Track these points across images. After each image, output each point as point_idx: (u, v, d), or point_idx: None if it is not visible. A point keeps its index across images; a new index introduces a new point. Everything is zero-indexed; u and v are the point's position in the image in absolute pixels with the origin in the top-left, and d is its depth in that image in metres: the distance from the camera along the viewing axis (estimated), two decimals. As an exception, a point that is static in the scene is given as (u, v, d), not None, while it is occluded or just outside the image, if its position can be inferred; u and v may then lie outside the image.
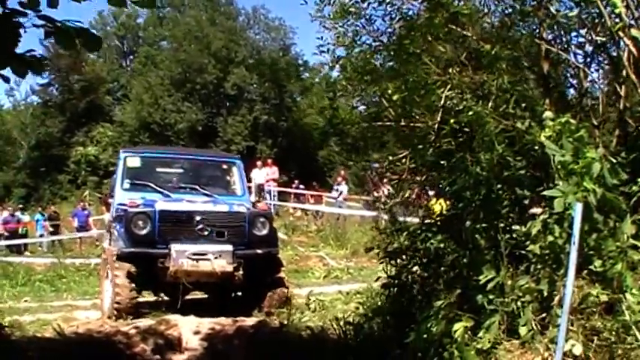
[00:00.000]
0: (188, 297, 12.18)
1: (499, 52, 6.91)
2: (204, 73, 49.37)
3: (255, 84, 50.72)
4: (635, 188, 5.96)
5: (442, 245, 7.14)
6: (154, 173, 13.29)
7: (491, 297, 6.06)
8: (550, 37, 7.54)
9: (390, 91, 7.52)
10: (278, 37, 53.79)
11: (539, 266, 5.87)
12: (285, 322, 10.19)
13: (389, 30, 8.07)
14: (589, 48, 7.44)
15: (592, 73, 7.55)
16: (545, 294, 5.73)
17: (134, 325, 9.76)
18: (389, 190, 8.75)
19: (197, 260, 11.30)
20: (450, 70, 7.17)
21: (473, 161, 6.60)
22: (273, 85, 50.81)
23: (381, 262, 8.12)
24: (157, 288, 12.42)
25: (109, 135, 51.39)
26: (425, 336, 6.31)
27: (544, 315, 5.76)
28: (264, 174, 29.60)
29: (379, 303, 8.86)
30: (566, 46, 7.56)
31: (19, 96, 59.61)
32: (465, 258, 6.70)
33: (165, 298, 12.35)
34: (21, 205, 36.83)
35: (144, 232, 11.44)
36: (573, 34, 7.54)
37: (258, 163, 30.75)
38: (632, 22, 6.36)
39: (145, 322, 9.99)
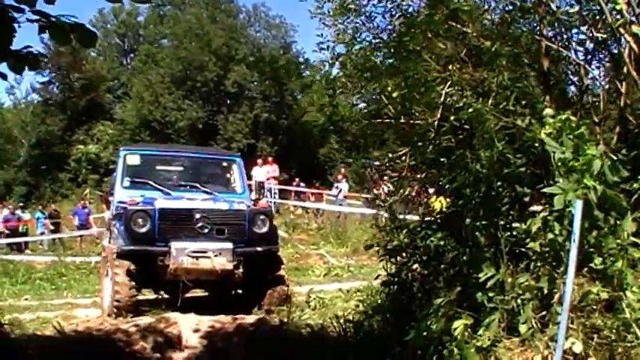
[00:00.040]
0: (188, 295, 12.16)
1: (499, 49, 6.89)
2: (204, 70, 49.33)
3: (255, 82, 50.65)
4: (635, 185, 5.95)
5: (442, 243, 7.14)
6: (153, 171, 13.29)
7: (491, 295, 6.05)
8: (551, 34, 7.52)
9: (389, 88, 7.51)
10: (279, 35, 53.74)
11: (539, 264, 5.86)
12: (285, 320, 10.18)
13: (389, 27, 8.06)
14: (590, 45, 7.42)
15: (593, 70, 7.54)
16: (546, 292, 5.71)
17: (134, 323, 9.77)
18: (388, 187, 8.72)
19: (197, 258, 11.31)
20: (450, 67, 7.15)
21: (473, 158, 6.58)
22: (273, 82, 50.76)
23: (381, 260, 8.11)
24: (156, 286, 12.41)
25: (110, 133, 51.38)
26: (425, 334, 6.29)
27: (544, 313, 5.74)
28: (265, 172, 29.60)
29: (379, 301, 8.85)
30: (566, 43, 7.53)
31: (19, 94, 59.43)
32: (464, 255, 6.69)
33: (165, 295, 12.34)
34: (21, 204, 36.78)
35: (144, 229, 11.44)
36: (574, 31, 7.51)
37: (259, 160, 30.76)
38: (633, 18, 6.34)
39: (144, 320, 10.01)
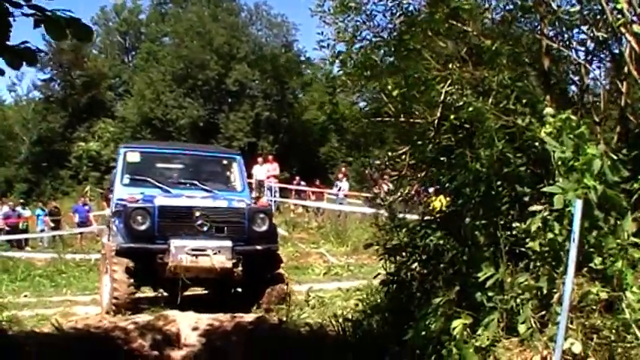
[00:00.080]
0: (187, 293, 12.15)
1: (500, 47, 6.86)
2: (206, 69, 49.31)
3: (257, 80, 50.70)
4: (636, 185, 5.93)
5: (441, 242, 7.12)
6: (153, 169, 13.29)
7: (490, 294, 6.03)
8: (551, 33, 7.49)
9: (389, 87, 7.49)
10: (280, 34, 53.78)
11: (538, 263, 5.84)
12: (284, 319, 10.19)
13: (389, 25, 8.02)
14: (590, 44, 7.39)
15: (593, 69, 7.52)
16: (545, 291, 5.69)
17: (132, 321, 9.76)
18: (388, 186, 8.71)
19: (196, 256, 11.29)
20: (451, 66, 7.12)
21: (473, 157, 6.56)
22: (275, 81, 50.78)
23: (381, 259, 8.10)
24: (155, 283, 12.38)
25: (111, 130, 51.40)
26: (423, 333, 6.29)
27: (543, 313, 5.73)
28: (265, 170, 29.58)
29: (378, 300, 8.84)
30: (567, 42, 7.51)
31: (20, 91, 59.49)
32: (464, 255, 6.68)
33: (165, 293, 12.31)
34: (22, 200, 36.79)
35: (143, 227, 11.44)
36: (575, 30, 7.48)
37: (260, 159, 30.76)
38: (634, 18, 6.32)
39: (143, 318, 10.00)
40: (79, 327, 9.94)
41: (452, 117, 6.99)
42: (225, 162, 14.11)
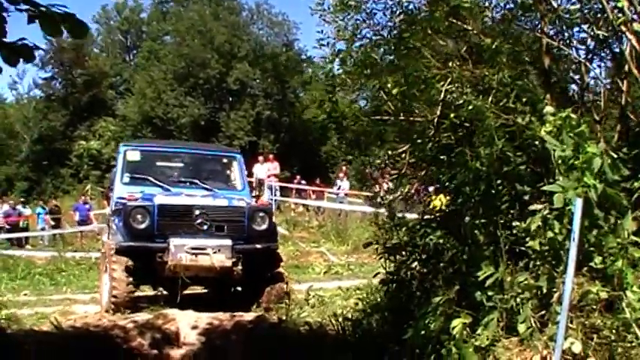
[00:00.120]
0: (187, 291, 12.13)
1: (500, 46, 6.84)
2: (207, 67, 49.33)
3: (257, 79, 50.73)
4: (636, 184, 5.91)
5: (441, 241, 7.10)
6: (153, 167, 13.28)
7: (490, 293, 6.01)
8: (552, 31, 7.47)
9: (389, 85, 7.47)
10: (281, 33, 53.79)
11: (538, 263, 5.81)
12: (284, 318, 10.17)
13: (389, 24, 8.00)
14: (591, 43, 7.36)
15: (594, 68, 7.49)
16: (545, 291, 5.67)
17: (132, 320, 9.74)
18: (388, 185, 8.69)
19: (196, 255, 11.28)
20: (451, 64, 7.10)
21: (472, 156, 6.54)
22: (275, 80, 50.82)
23: (380, 258, 8.08)
24: (155, 282, 12.40)
25: (112, 129, 51.44)
26: (423, 332, 6.27)
27: (543, 312, 5.70)
28: (266, 169, 29.58)
29: (378, 299, 8.82)
30: (567, 41, 7.48)
31: (22, 89, 59.73)
32: (464, 254, 6.66)
33: (164, 292, 12.31)
34: (22, 199, 36.82)
35: (142, 226, 11.42)
36: (575, 29, 7.46)
37: (260, 158, 30.76)
38: (635, 16, 6.30)
39: (142, 317, 9.98)
40: (78, 325, 9.94)
41: (452, 115, 6.97)
42: (225, 161, 14.10)
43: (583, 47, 7.45)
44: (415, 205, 8.57)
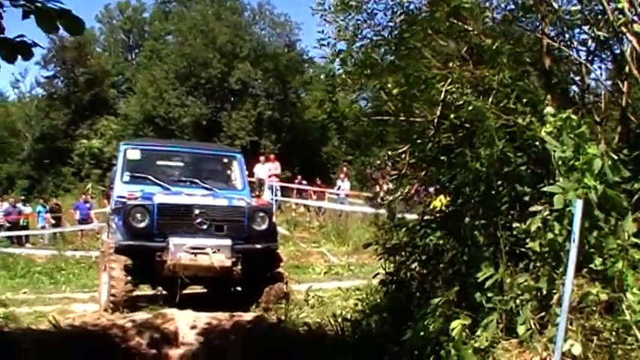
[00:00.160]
0: (186, 291, 12.11)
1: (500, 47, 6.81)
2: (209, 67, 49.38)
3: (259, 79, 50.76)
4: (636, 185, 5.89)
5: (441, 242, 7.08)
6: (154, 166, 13.26)
7: (489, 295, 5.99)
8: (552, 33, 7.45)
9: (389, 85, 7.45)
10: (283, 33, 53.86)
11: (538, 264, 5.78)
12: (283, 318, 10.14)
13: (390, 24, 7.98)
14: (592, 44, 7.34)
15: (595, 69, 7.47)
16: (545, 292, 5.64)
17: (130, 319, 9.72)
18: (388, 186, 8.67)
19: (195, 254, 11.25)
20: (451, 65, 7.08)
21: (473, 157, 6.52)
22: (277, 80, 50.84)
23: (380, 259, 8.06)
24: (154, 281, 12.37)
25: (113, 128, 51.52)
26: (422, 334, 6.24)
27: (543, 314, 5.68)
28: (267, 169, 29.58)
29: (377, 300, 8.81)
30: (568, 42, 7.46)
31: (24, 88, 59.81)
32: (463, 255, 6.63)
33: (163, 292, 12.27)
34: (23, 197, 36.84)
35: (142, 225, 11.40)
36: (576, 30, 7.44)
37: (261, 158, 30.76)
38: (635, 17, 6.28)
39: (141, 316, 9.96)
40: (77, 324, 9.94)
41: (452, 116, 6.95)
42: (225, 160, 14.09)
43: (584, 48, 7.43)
44: (415, 206, 8.55)
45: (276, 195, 29.03)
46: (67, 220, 31.31)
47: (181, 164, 13.75)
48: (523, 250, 5.94)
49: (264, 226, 11.98)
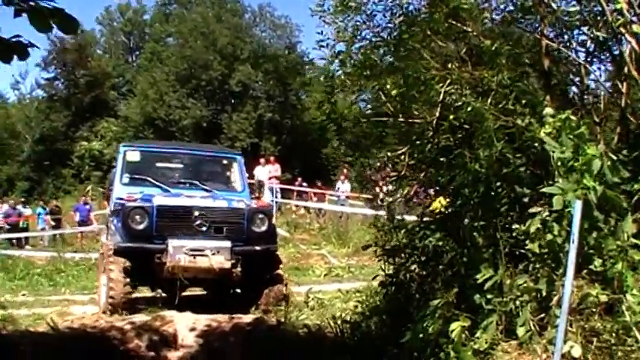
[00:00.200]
0: (185, 293, 12.09)
1: (499, 48, 6.82)
2: (209, 69, 49.33)
3: (260, 81, 50.74)
4: (636, 186, 5.88)
5: (440, 243, 7.09)
6: (153, 168, 13.23)
7: (489, 296, 5.98)
8: (552, 34, 7.46)
9: (389, 87, 7.45)
10: (284, 35, 53.86)
11: (537, 265, 5.78)
12: (283, 320, 10.12)
13: (389, 25, 7.98)
14: (591, 45, 7.35)
15: (594, 70, 7.48)
16: (544, 294, 5.64)
17: (129, 321, 9.72)
18: (387, 187, 8.66)
19: (194, 256, 11.22)
20: (450, 66, 7.09)
21: (472, 158, 6.52)
22: (277, 82, 50.83)
23: (380, 260, 8.05)
24: (153, 284, 12.32)
25: (114, 130, 51.46)
26: (421, 335, 6.23)
27: (542, 315, 5.67)
28: (267, 171, 29.55)
29: (377, 302, 8.79)
30: (567, 43, 7.46)
31: (24, 90, 59.77)
32: (463, 256, 6.63)
33: (162, 294, 12.24)
34: (23, 199, 36.83)
35: (141, 226, 11.37)
36: (575, 31, 7.45)
37: (262, 160, 30.74)
38: (634, 18, 6.28)
39: (140, 318, 9.95)
40: (75, 326, 9.93)
41: (451, 117, 6.96)
42: (225, 162, 14.07)
43: (583, 49, 7.45)
44: (415, 207, 8.55)
45: (276, 197, 29.02)
46: (66, 222, 31.26)
47: (181, 166, 13.73)
48: (522, 251, 5.93)
49: (263, 228, 11.95)
